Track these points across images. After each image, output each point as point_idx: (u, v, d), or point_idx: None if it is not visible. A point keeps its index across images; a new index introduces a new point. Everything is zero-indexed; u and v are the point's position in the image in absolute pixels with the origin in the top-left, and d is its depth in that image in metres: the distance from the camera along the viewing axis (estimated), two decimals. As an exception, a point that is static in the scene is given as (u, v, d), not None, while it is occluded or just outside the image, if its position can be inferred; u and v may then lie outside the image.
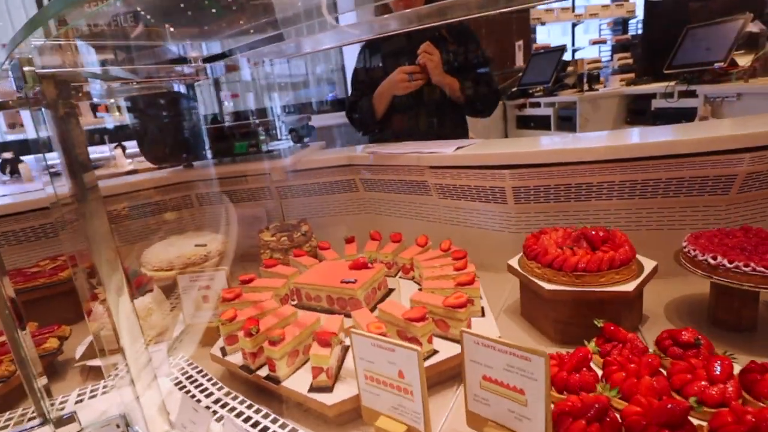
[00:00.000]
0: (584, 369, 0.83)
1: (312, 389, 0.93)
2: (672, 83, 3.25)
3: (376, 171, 1.79)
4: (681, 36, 3.20)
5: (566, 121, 3.82)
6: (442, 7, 0.80)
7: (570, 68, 4.09)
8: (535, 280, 1.10)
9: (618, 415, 0.73)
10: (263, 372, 1.01)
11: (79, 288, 1.15)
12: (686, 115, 3.00)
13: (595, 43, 5.61)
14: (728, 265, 0.97)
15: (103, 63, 1.09)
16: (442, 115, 2.03)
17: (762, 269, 0.93)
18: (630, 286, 1.02)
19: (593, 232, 1.12)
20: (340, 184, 1.94)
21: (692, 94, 2.97)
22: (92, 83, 1.16)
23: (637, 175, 1.26)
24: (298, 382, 0.96)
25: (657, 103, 3.29)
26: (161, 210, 2.04)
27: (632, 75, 4.91)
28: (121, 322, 0.90)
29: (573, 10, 5.58)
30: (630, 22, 5.98)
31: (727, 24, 2.87)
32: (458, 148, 1.51)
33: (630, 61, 5.43)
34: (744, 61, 2.96)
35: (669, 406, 0.68)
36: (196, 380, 1.11)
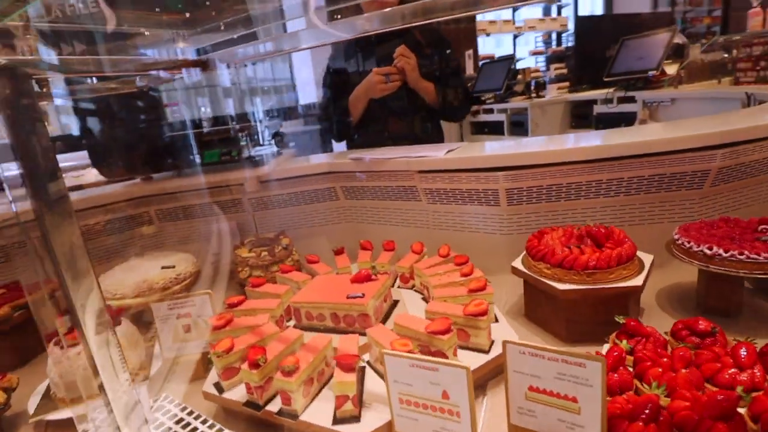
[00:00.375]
0: (620, 368, 0.82)
1: (337, 421, 0.84)
2: (611, 90, 3.53)
3: (360, 177, 1.72)
4: (617, 47, 3.49)
5: (518, 126, 4.00)
6: (420, 7, 0.78)
7: (519, 77, 4.30)
8: (546, 281, 1.09)
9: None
10: (273, 407, 0.90)
11: (39, 324, 0.96)
12: (626, 119, 3.26)
13: (534, 54, 5.98)
14: (724, 255, 1.03)
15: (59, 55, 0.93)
16: (419, 119, 2.01)
17: (755, 256, 0.99)
18: (639, 280, 1.04)
19: (597, 230, 1.14)
20: (318, 193, 1.84)
21: (631, 100, 3.24)
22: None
23: (624, 173, 1.32)
24: (318, 414, 0.86)
25: (598, 109, 3.56)
26: (115, 230, 1.81)
27: (567, 84, 5.30)
28: (101, 355, 0.77)
29: (514, 23, 5.91)
30: (562, 35, 6.46)
31: (657, 36, 3.17)
32: (449, 152, 1.49)
33: (565, 71, 5.86)
34: (671, 69, 3.29)
35: (720, 398, 0.68)
36: (189, 424, 0.96)
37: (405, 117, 2.02)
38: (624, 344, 0.87)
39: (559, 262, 1.08)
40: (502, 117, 4.11)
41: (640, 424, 0.70)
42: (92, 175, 1.80)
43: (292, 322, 1.24)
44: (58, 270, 0.69)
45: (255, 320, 1.10)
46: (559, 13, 6.57)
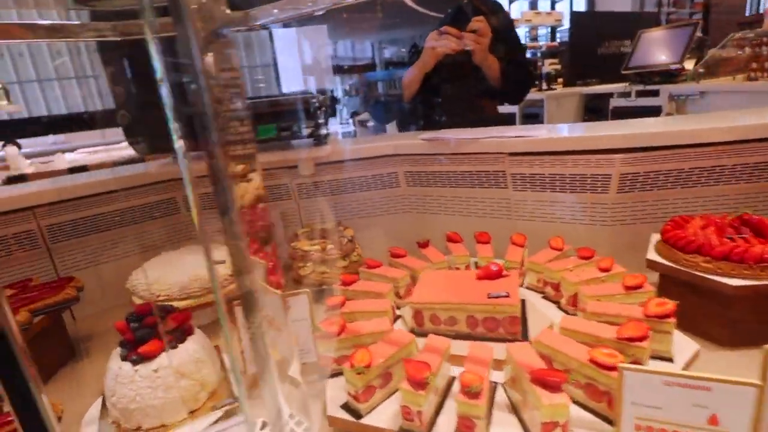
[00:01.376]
0: None
1: (543, 454, 0.66)
2: (626, 84, 3.51)
3: (429, 162, 1.54)
4: (635, 40, 3.47)
5: (531, 119, 3.93)
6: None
7: (531, 68, 4.22)
8: (709, 276, 0.96)
9: None
10: (440, 436, 0.71)
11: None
12: (647, 113, 3.24)
13: (531, 48, 5.96)
14: None
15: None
16: (480, 100, 1.84)
17: None
18: (816, 275, 0.93)
19: (758, 219, 1.02)
20: (377, 179, 1.64)
21: (651, 94, 3.23)
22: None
23: (751, 158, 1.21)
24: (511, 446, 0.69)
25: (615, 102, 3.53)
26: (135, 219, 1.52)
27: (561, 79, 5.30)
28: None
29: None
30: (556, 30, 6.48)
31: (678, 29, 3.17)
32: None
33: (558, 66, 5.88)
34: (688, 65, 3.31)
35: None
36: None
37: (464, 97, 1.85)
38: None
39: (724, 254, 0.95)
40: (514, 109, 4.01)
41: None
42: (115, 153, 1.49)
43: (398, 325, 1.05)
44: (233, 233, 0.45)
45: (376, 325, 0.90)
46: (552, 7, 6.60)
